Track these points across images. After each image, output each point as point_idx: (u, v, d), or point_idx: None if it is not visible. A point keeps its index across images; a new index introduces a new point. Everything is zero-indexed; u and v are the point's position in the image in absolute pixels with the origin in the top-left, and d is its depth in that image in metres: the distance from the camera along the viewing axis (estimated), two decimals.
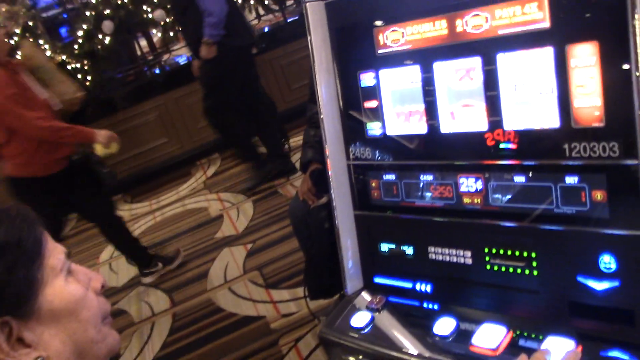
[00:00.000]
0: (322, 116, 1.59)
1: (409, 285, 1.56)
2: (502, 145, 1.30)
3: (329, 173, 1.60)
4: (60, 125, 3.55)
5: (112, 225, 4.21)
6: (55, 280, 0.93)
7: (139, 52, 7.15)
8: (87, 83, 6.44)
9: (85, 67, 6.45)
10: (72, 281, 0.97)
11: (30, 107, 3.41)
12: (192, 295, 4.10)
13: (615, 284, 1.19)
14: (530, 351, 1.19)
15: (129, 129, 6.65)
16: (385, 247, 1.60)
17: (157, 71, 7.02)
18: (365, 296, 1.63)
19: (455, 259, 1.45)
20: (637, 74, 1.07)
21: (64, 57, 6.44)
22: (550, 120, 1.22)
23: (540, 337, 1.29)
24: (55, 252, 0.96)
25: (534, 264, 1.31)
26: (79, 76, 6.42)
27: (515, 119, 1.28)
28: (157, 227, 5.51)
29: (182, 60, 6.97)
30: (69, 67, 6.39)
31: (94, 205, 4.03)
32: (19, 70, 3.51)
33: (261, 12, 6.88)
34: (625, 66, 1.09)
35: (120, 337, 1.06)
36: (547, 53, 1.20)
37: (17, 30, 6.40)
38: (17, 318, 0.88)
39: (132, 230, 5.17)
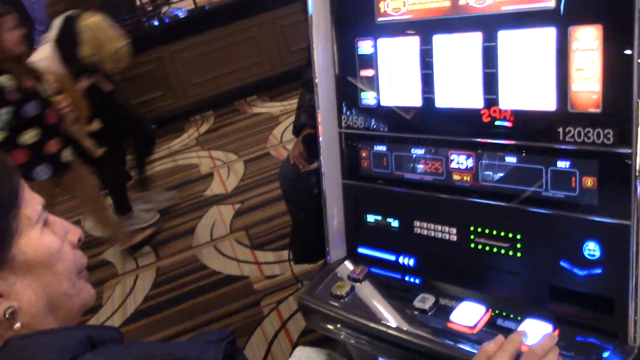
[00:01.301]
0: (316, 81, 1.56)
1: (392, 257, 1.56)
2: (496, 124, 1.29)
3: (320, 140, 1.58)
4: None
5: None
6: (31, 231, 0.91)
7: (137, 2, 7.02)
8: None
9: None
10: (48, 233, 0.95)
11: None
12: (177, 251, 4.11)
13: (598, 271, 1.19)
14: (507, 331, 1.19)
15: (123, 80, 6.57)
16: (371, 218, 1.59)
17: (156, 23, 6.90)
18: (348, 265, 1.63)
19: (440, 235, 1.45)
20: (639, 61, 1.05)
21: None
22: (546, 102, 1.20)
23: (519, 319, 1.29)
24: (31, 203, 0.94)
25: (519, 245, 1.31)
26: None
27: (511, 99, 1.26)
28: None
29: (181, 13, 6.85)
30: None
31: None
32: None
33: None
34: (627, 52, 1.07)
35: (95, 292, 1.05)
36: (549, 33, 1.18)
37: None
38: None
39: None
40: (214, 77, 6.74)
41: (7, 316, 0.87)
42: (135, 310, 3.60)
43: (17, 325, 0.88)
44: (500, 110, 1.28)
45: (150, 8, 7.20)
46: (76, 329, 0.91)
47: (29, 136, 3.19)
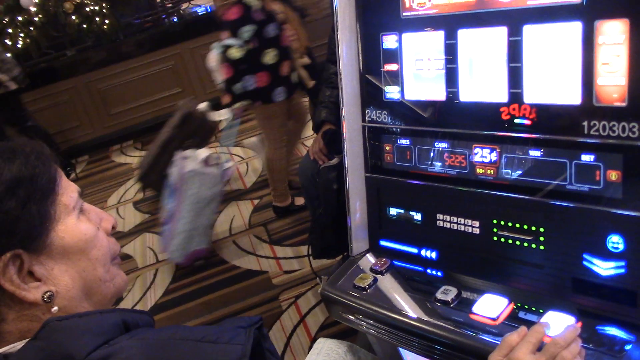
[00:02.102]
0: (341, 76, 1.57)
1: (414, 250, 1.57)
2: (520, 118, 1.29)
3: (343, 134, 1.60)
4: None
5: None
6: (68, 218, 0.94)
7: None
8: (105, 27, 6.40)
9: (104, 10, 6.40)
10: (83, 220, 0.98)
11: None
12: None
13: (621, 264, 1.19)
14: (529, 324, 1.20)
15: (143, 77, 6.66)
16: (393, 211, 1.60)
17: (175, 19, 6.96)
18: (370, 258, 1.65)
19: (462, 228, 1.46)
20: None
21: None
22: (571, 96, 1.21)
23: (541, 311, 1.30)
24: (68, 190, 0.97)
25: (542, 238, 1.32)
26: (97, 19, 6.38)
27: (536, 93, 1.27)
28: None
29: (200, 10, 6.90)
30: (87, 8, 6.34)
31: None
32: None
33: None
34: None
35: (127, 279, 1.08)
36: (575, 28, 1.18)
37: None
38: (29, 252, 0.89)
39: None
40: None
41: (45, 300, 0.90)
42: (155, 304, 3.64)
43: (55, 308, 0.91)
44: (524, 104, 1.29)
45: (169, 5, 7.27)
46: (111, 312, 0.93)
47: (270, 57, 3.50)
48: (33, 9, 6.28)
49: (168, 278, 3.87)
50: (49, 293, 0.90)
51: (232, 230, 4.21)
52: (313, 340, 2.91)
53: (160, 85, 6.70)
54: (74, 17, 6.40)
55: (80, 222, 0.97)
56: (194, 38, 6.62)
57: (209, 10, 6.84)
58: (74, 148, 6.74)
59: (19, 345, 0.87)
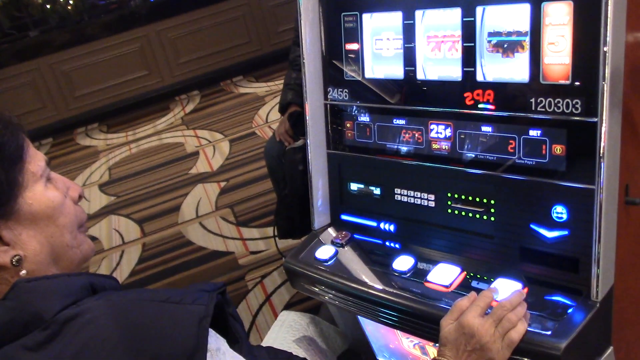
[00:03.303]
0: (304, 55, 1.62)
1: (373, 224, 1.63)
2: (472, 95, 1.36)
3: (306, 111, 1.64)
4: None
5: None
6: (35, 185, 0.98)
7: None
8: (69, 7, 6.31)
9: None
10: (51, 187, 1.01)
11: None
12: (162, 227, 4.17)
13: (565, 233, 1.27)
14: (480, 291, 1.27)
15: (109, 59, 6.59)
16: (354, 186, 1.66)
17: (141, 1, 6.89)
18: (331, 232, 1.70)
19: (419, 202, 1.52)
20: (607, 36, 1.12)
21: None
22: (520, 74, 1.28)
23: (491, 280, 1.37)
24: (35, 159, 1.00)
25: (492, 210, 1.39)
26: (61, 0, 6.29)
27: (488, 71, 1.33)
28: (132, 159, 5.52)
29: None
30: None
31: None
32: None
33: None
34: (595, 27, 1.14)
35: (94, 246, 1.12)
36: (524, 9, 1.25)
37: None
38: None
39: (107, 159, 5.20)
40: (200, 57, 6.76)
41: (14, 263, 0.93)
42: (121, 284, 3.64)
43: (23, 272, 0.95)
44: (477, 82, 1.35)
45: None
46: (79, 275, 0.97)
47: None
48: None
49: (134, 259, 3.88)
50: (17, 257, 0.93)
51: (199, 212, 4.23)
52: None
53: (126, 67, 6.64)
54: None
55: (48, 189, 1.00)
56: (161, 20, 6.57)
57: None
58: (37, 130, 6.65)
59: None
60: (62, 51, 6.52)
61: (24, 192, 0.95)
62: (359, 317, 1.66)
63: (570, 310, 1.24)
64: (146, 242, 4.05)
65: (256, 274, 3.38)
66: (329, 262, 1.57)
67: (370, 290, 1.45)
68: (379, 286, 1.45)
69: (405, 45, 1.47)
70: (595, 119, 1.17)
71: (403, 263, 1.48)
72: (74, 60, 6.57)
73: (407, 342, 1.65)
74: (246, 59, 6.86)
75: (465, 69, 1.37)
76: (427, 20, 1.42)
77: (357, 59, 1.57)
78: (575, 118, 1.21)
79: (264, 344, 1.59)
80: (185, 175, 4.86)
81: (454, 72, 1.39)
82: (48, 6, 6.34)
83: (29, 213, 0.95)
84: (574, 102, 1.20)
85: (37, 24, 6.65)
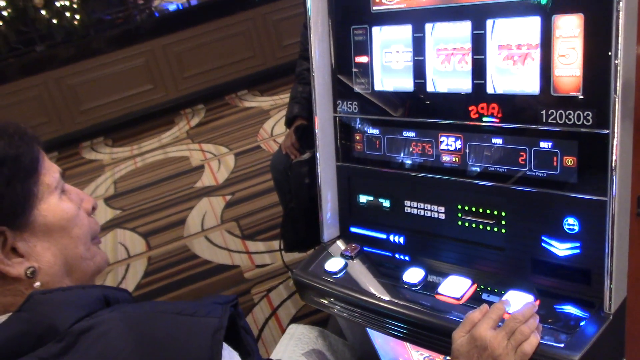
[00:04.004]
0: (313, 68, 1.63)
1: (383, 236, 1.63)
2: (483, 107, 1.36)
3: (316, 123, 1.65)
4: None
5: None
6: (50, 197, 0.98)
7: None
8: (75, 22, 6.37)
9: (75, 6, 6.36)
10: (65, 199, 1.01)
11: None
12: (168, 240, 4.16)
13: (577, 245, 1.27)
14: (491, 303, 1.27)
15: (115, 73, 6.63)
16: (363, 198, 1.66)
17: (147, 16, 6.94)
18: (340, 244, 1.70)
19: (429, 214, 1.52)
20: (619, 48, 1.12)
21: None
22: (531, 86, 1.28)
23: (502, 292, 1.37)
24: (50, 171, 1.01)
25: (503, 222, 1.39)
26: (67, 14, 6.34)
27: (498, 83, 1.34)
28: (138, 172, 5.53)
29: (172, 7, 6.90)
30: (57, 4, 6.30)
31: None
32: None
33: None
34: (606, 40, 1.14)
35: (107, 258, 1.12)
36: (534, 22, 1.25)
37: None
38: (13, 229, 0.92)
39: (112, 173, 5.21)
40: (205, 71, 6.80)
41: (28, 275, 0.93)
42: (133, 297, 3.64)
43: (37, 284, 0.95)
44: (487, 94, 1.35)
45: (141, 1, 7.24)
46: (93, 287, 0.97)
47: None
48: (2, 3, 6.22)
49: (140, 273, 3.88)
50: (31, 269, 0.94)
51: (204, 226, 4.23)
52: (285, 330, 2.95)
53: (131, 81, 6.68)
54: (43, 12, 6.35)
55: (62, 201, 1.00)
56: (166, 35, 6.61)
57: (180, 7, 6.85)
58: (43, 144, 6.65)
59: (3, 317, 0.90)
60: (68, 65, 6.56)
61: (39, 204, 0.96)
62: (368, 330, 1.65)
63: (583, 323, 1.23)
64: (152, 256, 4.04)
65: (262, 288, 3.37)
66: (339, 275, 1.57)
67: (381, 303, 1.45)
68: (390, 298, 1.45)
69: (415, 58, 1.47)
70: (607, 131, 1.17)
71: (413, 275, 1.48)
72: (79, 75, 6.61)
73: (417, 355, 1.64)
74: (251, 73, 6.89)
75: (475, 82, 1.37)
76: (437, 33, 1.43)
77: (367, 72, 1.58)
78: (587, 130, 1.21)
79: (273, 357, 1.59)
80: (190, 188, 4.87)
81: (464, 84, 1.39)
82: (55, 21, 6.39)
83: (43, 225, 0.96)
84: (585, 114, 1.21)
85: (44, 38, 6.70)
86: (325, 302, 1.58)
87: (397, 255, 1.61)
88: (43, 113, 6.68)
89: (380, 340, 1.71)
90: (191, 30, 6.61)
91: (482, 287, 1.42)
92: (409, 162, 1.53)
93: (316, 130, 1.65)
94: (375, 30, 1.54)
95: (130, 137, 6.54)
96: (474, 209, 1.44)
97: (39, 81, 6.56)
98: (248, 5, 6.63)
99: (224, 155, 5.35)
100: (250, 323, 3.10)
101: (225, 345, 0.98)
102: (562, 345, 1.19)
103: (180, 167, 5.37)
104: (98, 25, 6.80)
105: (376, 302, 1.46)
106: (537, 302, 1.29)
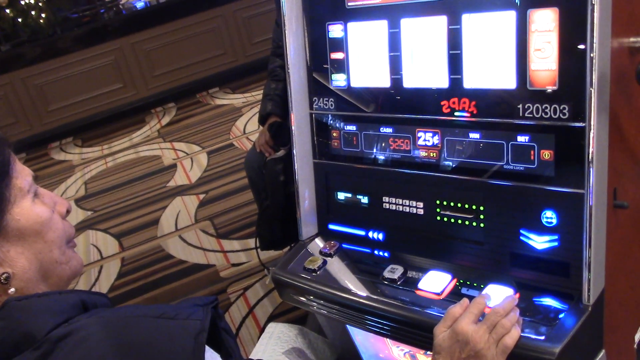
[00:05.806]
0: (288, 65, 1.61)
1: (362, 233, 1.63)
2: (460, 102, 1.36)
3: (292, 120, 1.64)
4: None
5: None
6: (23, 201, 0.95)
7: None
8: (41, 21, 6.24)
9: (40, 4, 6.24)
10: (38, 203, 0.99)
11: None
12: (141, 241, 4.12)
13: (555, 237, 1.28)
14: (472, 298, 1.28)
15: (83, 72, 6.52)
16: (341, 195, 1.65)
17: (114, 14, 6.84)
18: (319, 242, 1.69)
19: (407, 210, 1.52)
20: (594, 42, 1.13)
21: None
22: (507, 81, 1.29)
23: (482, 286, 1.38)
24: (22, 174, 0.98)
25: (482, 216, 1.39)
26: (33, 13, 6.21)
27: (475, 78, 1.34)
28: (109, 172, 5.46)
29: (140, 4, 6.80)
30: (22, 2, 6.17)
31: None
32: None
33: None
34: (581, 33, 1.15)
35: (83, 261, 1.09)
36: (510, 16, 1.26)
37: None
38: None
39: (82, 174, 5.13)
40: (175, 69, 6.73)
41: (2, 281, 0.91)
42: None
43: (12, 290, 0.92)
44: (463, 89, 1.36)
45: None
46: (70, 292, 0.95)
47: None
48: None
49: (113, 274, 3.82)
50: (5, 274, 0.91)
51: (178, 225, 4.19)
52: (263, 329, 2.93)
53: (100, 80, 6.57)
54: (8, 11, 6.22)
55: (35, 205, 0.98)
56: (135, 32, 6.52)
57: (148, 4, 6.76)
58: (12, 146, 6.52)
59: None
60: (34, 65, 6.42)
61: (11, 208, 0.93)
62: (348, 327, 1.65)
63: (562, 315, 1.24)
64: (125, 257, 3.99)
65: (238, 286, 3.35)
66: (318, 272, 1.56)
67: (361, 300, 1.44)
68: (370, 295, 1.45)
69: (391, 54, 1.47)
70: (583, 124, 1.18)
71: (393, 272, 1.48)
72: (46, 74, 6.48)
73: (398, 351, 1.64)
74: (222, 71, 6.83)
75: (452, 77, 1.37)
76: (413, 28, 1.42)
77: (343, 68, 1.57)
78: (563, 123, 1.22)
79: (253, 356, 1.57)
80: (163, 188, 4.81)
81: (440, 79, 1.39)
82: (19, 20, 6.25)
83: (16, 229, 0.93)
84: (561, 108, 1.21)
85: (9, 37, 6.55)
86: (305, 299, 1.57)
87: (376, 252, 1.60)
88: (10, 114, 6.54)
89: (360, 337, 1.71)
90: (160, 27, 6.53)
91: (462, 281, 1.43)
92: (386, 158, 1.53)
93: (293, 128, 1.64)
94: (351, 26, 1.53)
95: (100, 136, 6.44)
96: (452, 204, 1.44)
97: (5, 81, 6.42)
98: (217, 2, 6.57)
99: (196, 153, 5.30)
100: (227, 322, 3.08)
101: (207, 348, 0.96)
102: (542, 337, 1.20)
103: (152, 166, 5.31)
104: (65, 23, 6.68)
105: (356, 298, 1.45)
106: (517, 296, 1.30)
